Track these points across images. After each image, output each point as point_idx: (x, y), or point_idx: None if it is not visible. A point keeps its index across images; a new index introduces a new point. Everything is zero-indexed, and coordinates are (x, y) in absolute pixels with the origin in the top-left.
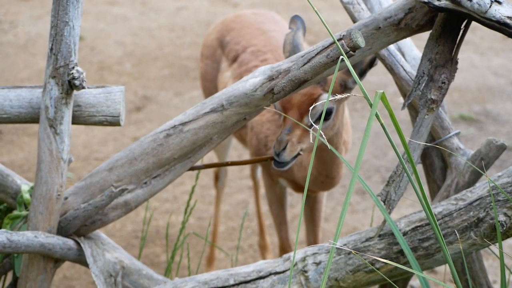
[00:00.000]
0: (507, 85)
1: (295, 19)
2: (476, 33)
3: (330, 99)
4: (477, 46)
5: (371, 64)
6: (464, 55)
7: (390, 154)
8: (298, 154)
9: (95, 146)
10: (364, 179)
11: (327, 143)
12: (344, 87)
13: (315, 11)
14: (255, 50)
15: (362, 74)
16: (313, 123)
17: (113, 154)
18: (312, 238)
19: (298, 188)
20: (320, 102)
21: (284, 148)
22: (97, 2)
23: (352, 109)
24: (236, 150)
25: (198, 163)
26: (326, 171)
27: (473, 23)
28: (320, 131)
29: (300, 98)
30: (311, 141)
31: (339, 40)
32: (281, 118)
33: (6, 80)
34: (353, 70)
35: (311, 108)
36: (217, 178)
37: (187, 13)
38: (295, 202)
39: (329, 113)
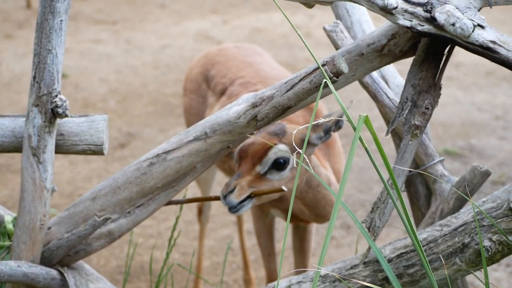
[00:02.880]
0: (491, 120)
1: None
2: (460, 69)
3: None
4: (461, 82)
5: (338, 125)
6: (448, 90)
7: (375, 188)
8: (250, 196)
9: (79, 182)
10: None
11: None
12: (307, 142)
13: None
14: (244, 82)
15: (326, 132)
16: (264, 172)
17: None
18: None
19: (291, 218)
20: (273, 151)
21: (232, 192)
22: (81, 40)
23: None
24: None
25: (179, 196)
26: (314, 211)
27: (457, 59)
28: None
29: (255, 148)
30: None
31: (322, 66)
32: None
33: None
34: (337, 95)
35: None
36: (200, 212)
37: (171, 51)
38: (283, 236)
39: (283, 163)
